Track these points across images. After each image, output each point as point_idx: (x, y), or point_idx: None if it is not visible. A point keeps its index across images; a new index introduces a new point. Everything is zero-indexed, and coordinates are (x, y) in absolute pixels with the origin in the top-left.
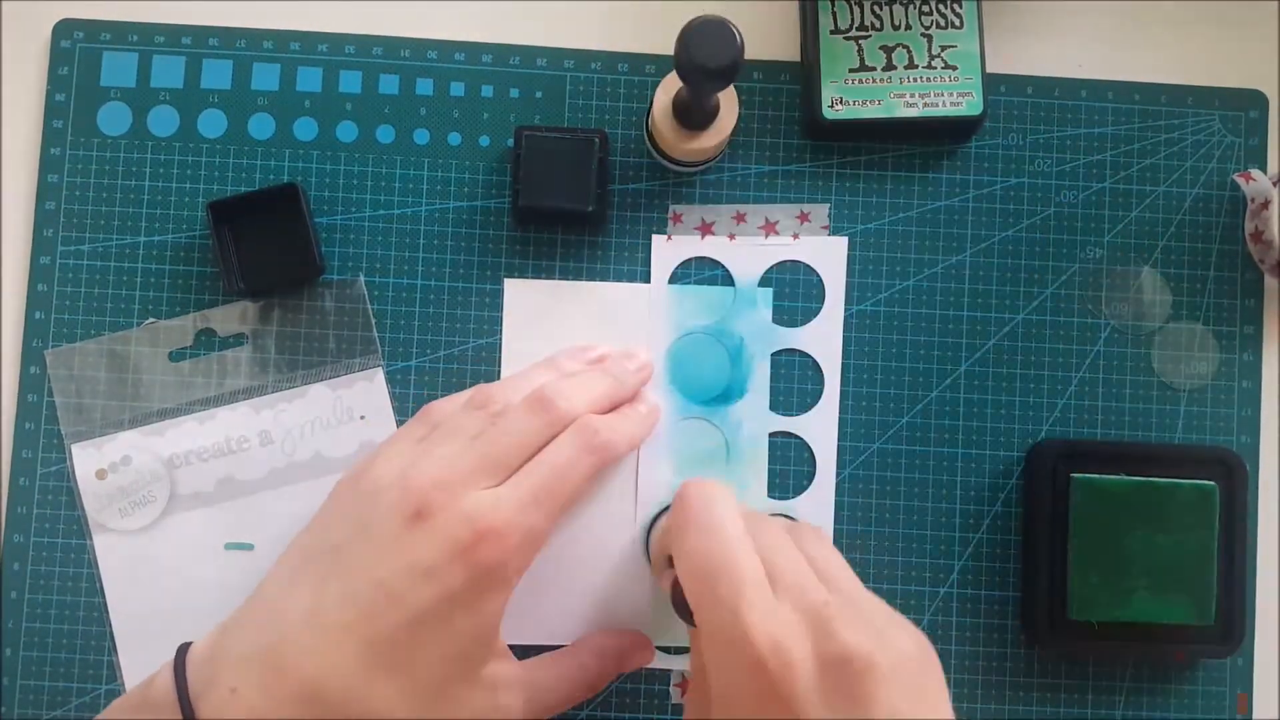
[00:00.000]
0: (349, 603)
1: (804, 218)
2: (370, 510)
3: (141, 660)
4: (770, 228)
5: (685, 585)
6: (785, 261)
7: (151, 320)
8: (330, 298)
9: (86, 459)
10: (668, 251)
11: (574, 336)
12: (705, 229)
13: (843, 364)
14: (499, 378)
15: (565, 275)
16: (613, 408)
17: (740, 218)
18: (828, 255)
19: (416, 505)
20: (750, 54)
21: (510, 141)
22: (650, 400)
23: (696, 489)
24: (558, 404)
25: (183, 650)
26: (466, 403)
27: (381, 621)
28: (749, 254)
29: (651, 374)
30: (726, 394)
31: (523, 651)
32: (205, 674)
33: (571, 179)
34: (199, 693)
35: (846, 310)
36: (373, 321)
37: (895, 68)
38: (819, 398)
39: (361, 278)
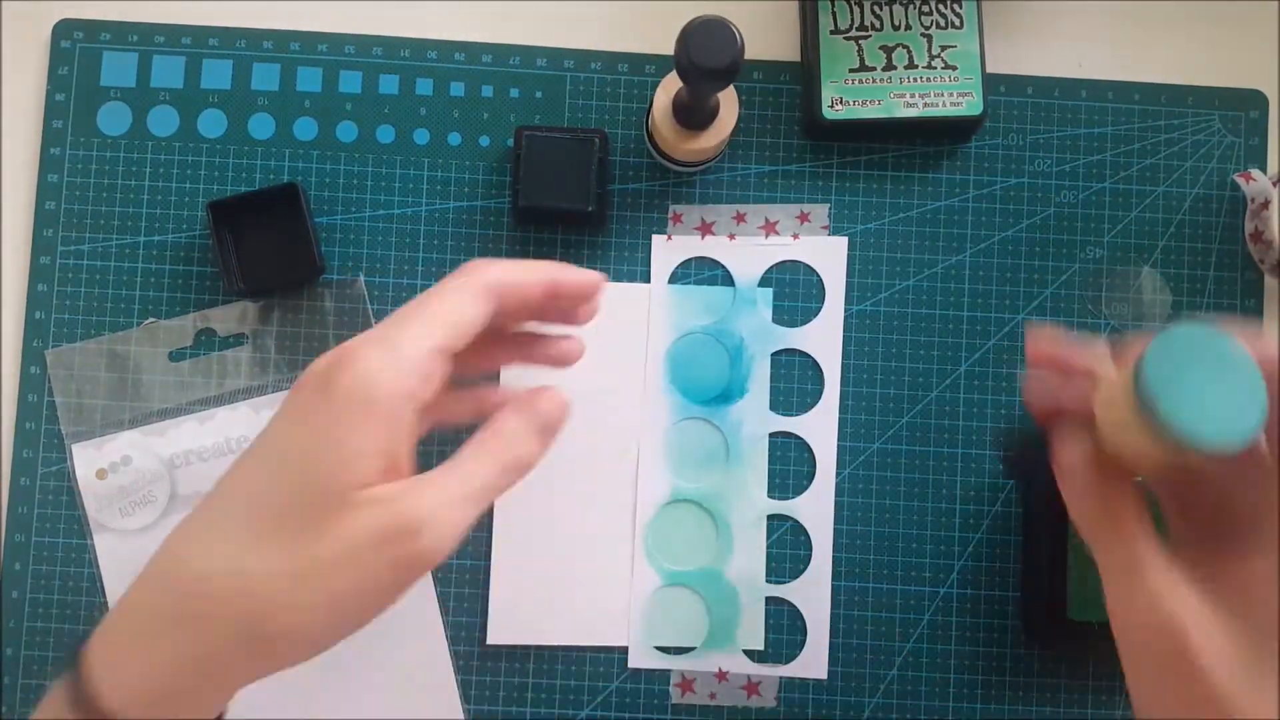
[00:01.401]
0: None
1: (804, 218)
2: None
3: None
4: (770, 228)
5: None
6: (785, 261)
7: (152, 320)
8: (330, 298)
9: (87, 459)
10: (667, 251)
11: None
12: (705, 229)
13: (843, 364)
14: (499, 378)
15: None
16: None
17: (740, 218)
18: (828, 255)
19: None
20: (750, 54)
21: (510, 141)
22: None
23: None
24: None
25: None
26: None
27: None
28: (749, 254)
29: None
30: (726, 394)
31: (523, 652)
32: (99, 652)
33: (571, 179)
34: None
35: (847, 310)
36: (373, 321)
37: (895, 68)
38: (819, 398)
39: (361, 278)
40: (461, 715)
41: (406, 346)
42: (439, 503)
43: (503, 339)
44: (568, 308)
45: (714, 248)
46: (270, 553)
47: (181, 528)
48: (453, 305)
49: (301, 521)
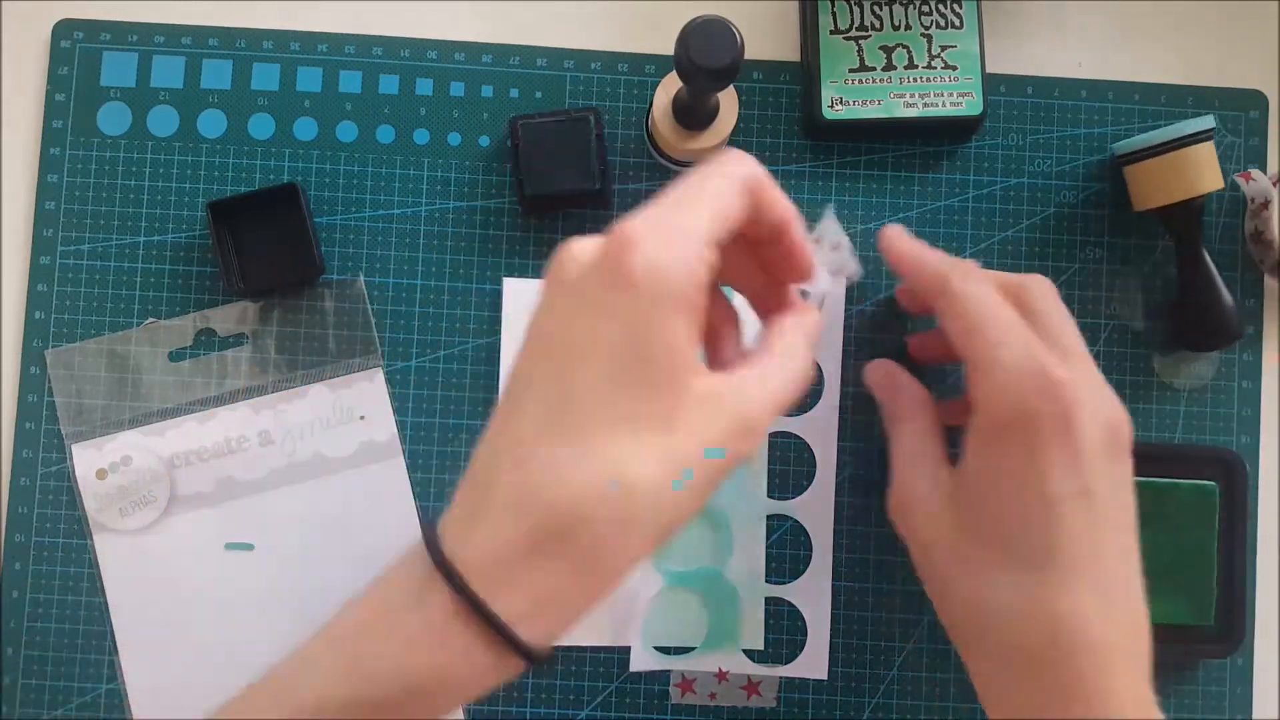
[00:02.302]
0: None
1: None
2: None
3: (142, 660)
4: None
5: (966, 321)
6: None
7: (152, 320)
8: (330, 298)
9: (87, 459)
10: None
11: None
12: None
13: (843, 364)
14: (499, 378)
15: None
16: None
17: None
18: None
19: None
20: (750, 54)
21: (510, 141)
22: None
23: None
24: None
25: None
26: None
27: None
28: None
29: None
30: None
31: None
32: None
33: (573, 160)
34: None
35: (847, 310)
36: (372, 321)
37: (895, 68)
38: (818, 397)
39: (361, 278)
40: (460, 715)
41: (692, 234)
42: (766, 404)
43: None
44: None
45: None
46: (646, 454)
47: (513, 434)
48: (723, 196)
49: (662, 417)
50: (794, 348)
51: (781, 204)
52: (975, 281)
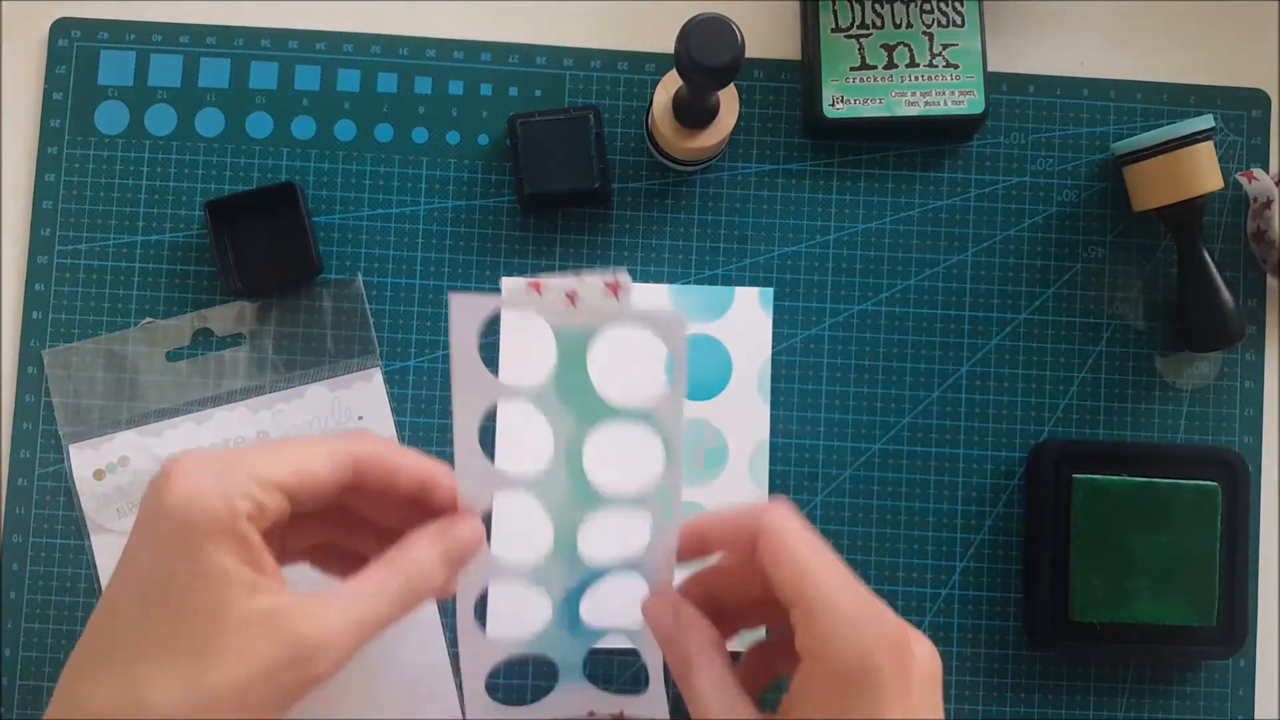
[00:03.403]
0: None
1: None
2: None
3: None
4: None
5: (796, 569)
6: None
7: (150, 320)
8: (328, 297)
9: (84, 459)
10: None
11: None
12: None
13: (845, 364)
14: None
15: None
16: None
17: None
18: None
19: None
20: (750, 53)
21: (510, 141)
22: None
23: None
24: None
25: None
26: None
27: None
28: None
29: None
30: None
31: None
32: None
33: (572, 159)
34: None
35: (847, 309)
36: (370, 321)
37: (896, 66)
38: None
39: (360, 277)
40: (460, 717)
41: (244, 470)
42: (335, 627)
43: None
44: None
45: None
46: (168, 683)
47: (76, 661)
48: (311, 454)
49: (191, 645)
50: (410, 562)
51: (415, 469)
52: (794, 519)
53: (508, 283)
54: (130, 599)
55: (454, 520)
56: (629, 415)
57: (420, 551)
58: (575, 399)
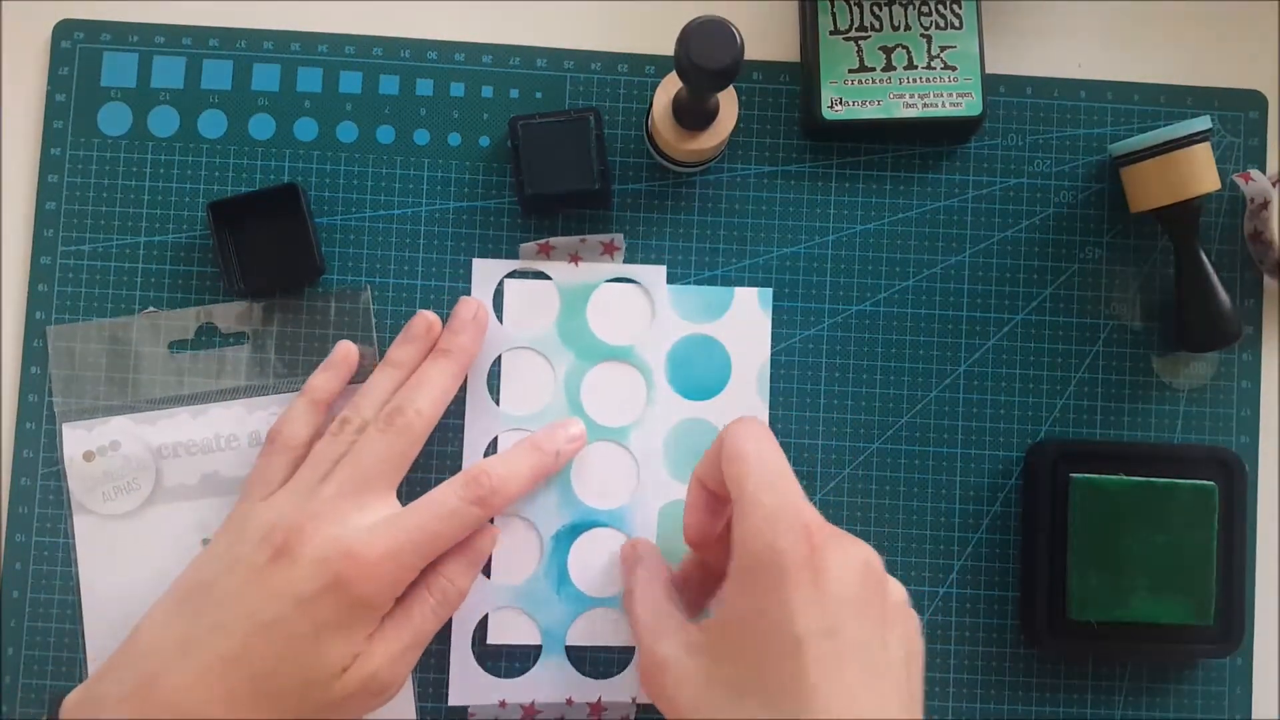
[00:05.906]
0: (221, 633)
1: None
2: (240, 545)
3: (105, 641)
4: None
5: (738, 467)
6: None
7: (152, 309)
8: (333, 303)
9: (76, 439)
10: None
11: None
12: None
13: (843, 364)
14: (499, 377)
15: None
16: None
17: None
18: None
19: (284, 538)
20: (750, 54)
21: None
22: (568, 434)
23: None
24: (482, 485)
25: (55, 702)
26: (332, 428)
27: (253, 650)
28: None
29: (584, 442)
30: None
31: (523, 652)
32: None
33: (573, 160)
34: None
35: (846, 310)
36: (373, 322)
37: (895, 68)
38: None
39: (368, 290)
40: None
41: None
42: (392, 657)
43: None
44: None
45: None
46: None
47: (184, 685)
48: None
49: (299, 698)
50: (440, 579)
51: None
52: (753, 426)
53: (508, 283)
54: (266, 649)
55: (477, 533)
56: (619, 353)
57: (448, 567)
58: (575, 340)
